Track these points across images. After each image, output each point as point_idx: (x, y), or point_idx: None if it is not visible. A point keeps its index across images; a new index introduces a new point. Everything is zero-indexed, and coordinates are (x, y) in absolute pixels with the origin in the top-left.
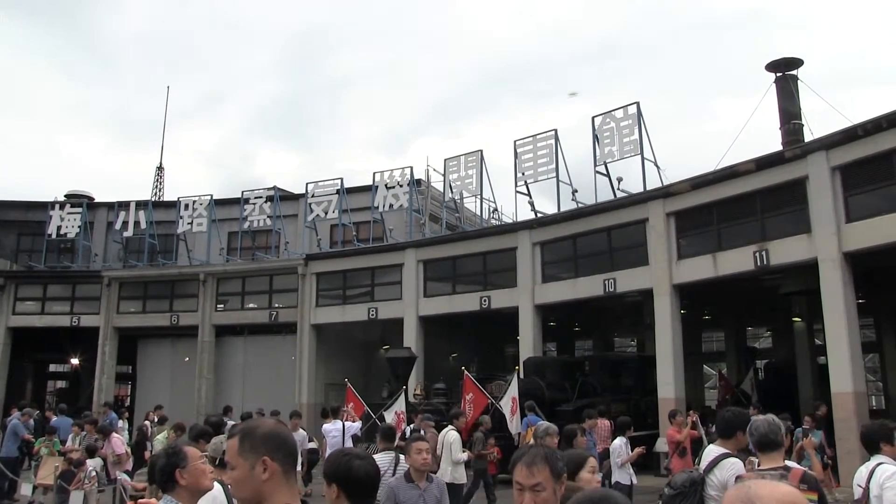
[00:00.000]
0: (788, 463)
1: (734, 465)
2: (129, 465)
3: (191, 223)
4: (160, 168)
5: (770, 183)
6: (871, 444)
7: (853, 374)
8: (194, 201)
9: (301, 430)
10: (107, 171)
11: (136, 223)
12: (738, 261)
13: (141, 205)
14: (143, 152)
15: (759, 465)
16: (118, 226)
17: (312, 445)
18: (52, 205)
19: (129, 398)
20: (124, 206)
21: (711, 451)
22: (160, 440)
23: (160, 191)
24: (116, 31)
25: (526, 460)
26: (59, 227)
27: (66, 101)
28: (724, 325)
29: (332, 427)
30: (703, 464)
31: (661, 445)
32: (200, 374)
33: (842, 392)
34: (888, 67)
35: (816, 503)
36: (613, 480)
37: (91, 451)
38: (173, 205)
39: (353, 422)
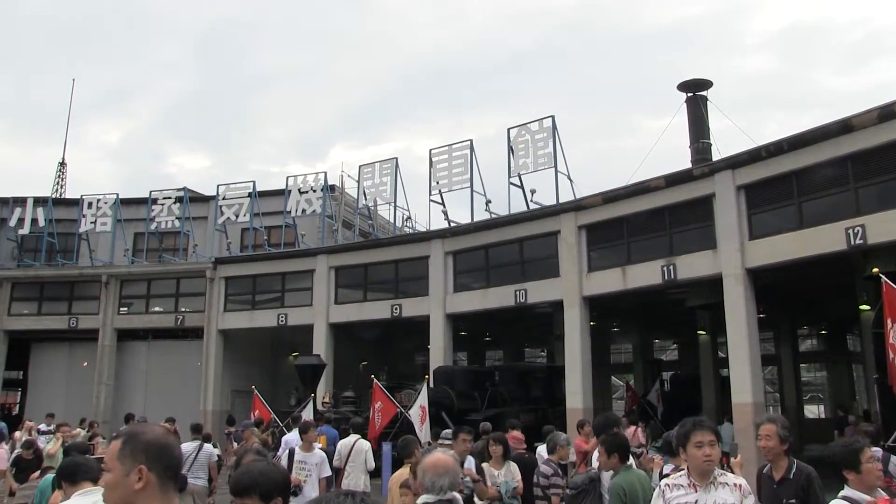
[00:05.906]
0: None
1: None
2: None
3: (94, 222)
4: (62, 164)
5: (679, 199)
6: (837, 474)
7: (752, 386)
8: (98, 199)
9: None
10: (1, 164)
11: (34, 220)
12: (646, 274)
13: (40, 201)
14: (43, 146)
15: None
16: (13, 223)
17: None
18: None
19: (17, 406)
20: (20, 202)
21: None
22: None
23: (62, 187)
24: (14, 8)
25: None
26: None
27: None
28: (632, 336)
29: None
30: (595, 464)
31: (569, 455)
32: (99, 379)
33: (741, 403)
34: (796, 93)
35: None
36: None
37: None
38: (75, 202)
39: None
